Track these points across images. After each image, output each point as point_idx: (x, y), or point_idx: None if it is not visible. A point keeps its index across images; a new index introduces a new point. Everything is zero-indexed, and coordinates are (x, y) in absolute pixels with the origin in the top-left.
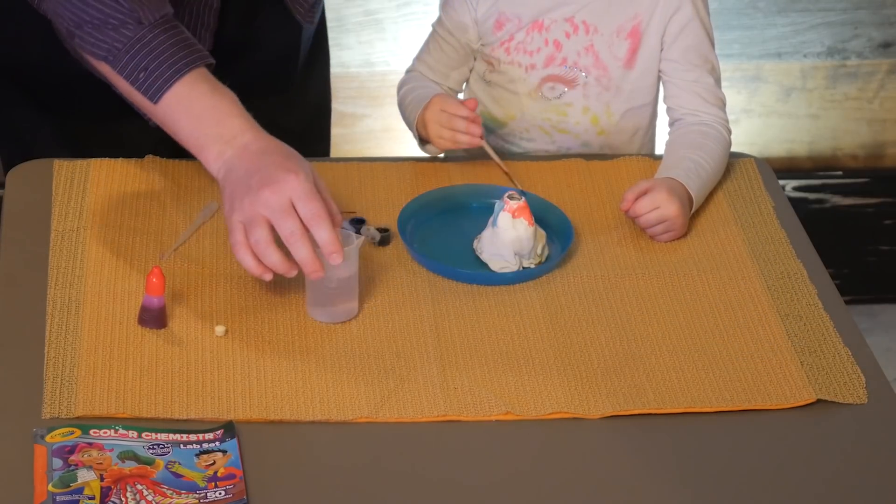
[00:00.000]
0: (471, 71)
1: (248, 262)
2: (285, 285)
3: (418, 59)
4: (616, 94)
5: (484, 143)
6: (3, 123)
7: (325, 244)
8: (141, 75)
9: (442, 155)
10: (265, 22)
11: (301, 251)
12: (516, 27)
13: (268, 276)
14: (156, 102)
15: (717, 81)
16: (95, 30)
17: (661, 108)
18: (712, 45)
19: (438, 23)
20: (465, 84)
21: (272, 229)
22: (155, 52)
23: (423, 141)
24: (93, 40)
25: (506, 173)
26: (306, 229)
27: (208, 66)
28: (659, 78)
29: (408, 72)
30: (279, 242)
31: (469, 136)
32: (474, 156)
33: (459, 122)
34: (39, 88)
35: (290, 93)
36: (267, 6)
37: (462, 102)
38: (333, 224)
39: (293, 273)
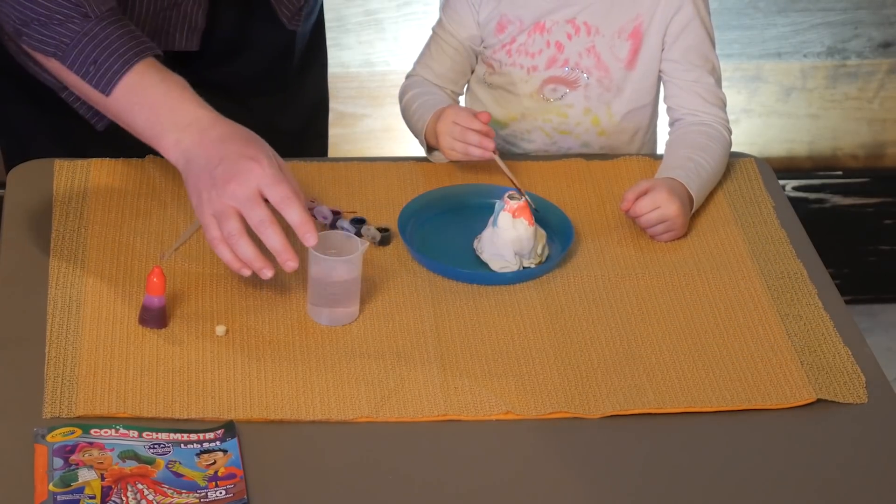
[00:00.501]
0: (472, 72)
1: (227, 256)
2: (285, 285)
3: (421, 64)
4: (617, 95)
5: (496, 158)
6: (1, 121)
7: (298, 225)
8: (91, 68)
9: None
10: (257, 23)
11: (272, 239)
12: (518, 29)
13: (245, 272)
14: (108, 94)
15: (718, 81)
16: (42, 26)
17: (662, 107)
18: (713, 44)
19: (440, 27)
20: (465, 86)
21: (244, 221)
22: (103, 45)
23: (430, 148)
24: (40, 37)
25: (518, 188)
26: (275, 218)
27: (157, 58)
28: (659, 78)
29: (408, 77)
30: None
31: (481, 150)
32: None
33: (472, 136)
34: (36, 86)
35: (286, 92)
36: (257, 8)
37: (475, 115)
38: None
39: (269, 272)
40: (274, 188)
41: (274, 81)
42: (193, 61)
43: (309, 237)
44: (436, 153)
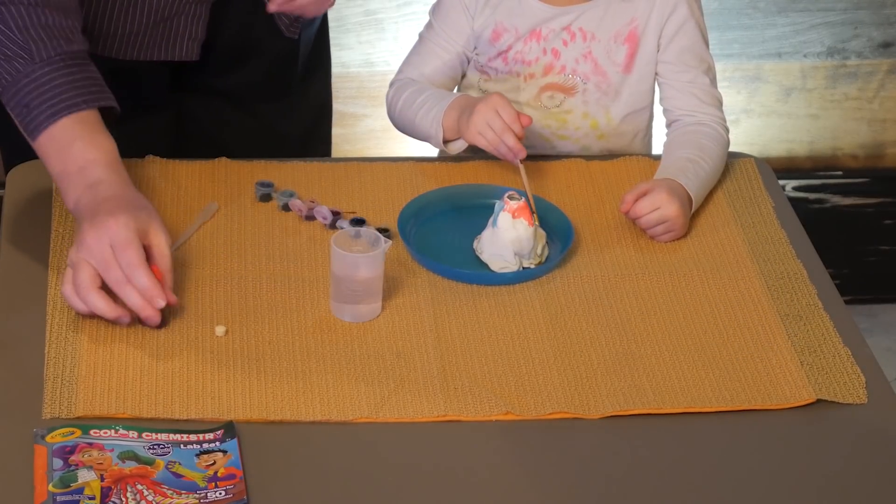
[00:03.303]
0: (463, 77)
1: (80, 307)
2: (285, 286)
3: (410, 67)
4: (615, 99)
5: (521, 168)
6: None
7: (145, 291)
8: (23, 111)
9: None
10: (259, 31)
11: (130, 298)
12: (514, 38)
13: (123, 321)
14: (33, 140)
15: (713, 81)
16: None
17: (658, 109)
18: (707, 44)
19: (431, 32)
20: (455, 91)
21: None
22: (40, 91)
23: (445, 140)
24: None
25: (530, 202)
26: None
27: (111, 108)
28: (655, 80)
29: (394, 82)
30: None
31: (511, 155)
32: (474, 156)
33: (510, 138)
34: None
35: (290, 98)
36: (258, 17)
37: (518, 116)
38: (162, 259)
39: (126, 318)
40: (121, 252)
41: (278, 87)
42: (197, 70)
43: (158, 301)
44: (453, 143)
